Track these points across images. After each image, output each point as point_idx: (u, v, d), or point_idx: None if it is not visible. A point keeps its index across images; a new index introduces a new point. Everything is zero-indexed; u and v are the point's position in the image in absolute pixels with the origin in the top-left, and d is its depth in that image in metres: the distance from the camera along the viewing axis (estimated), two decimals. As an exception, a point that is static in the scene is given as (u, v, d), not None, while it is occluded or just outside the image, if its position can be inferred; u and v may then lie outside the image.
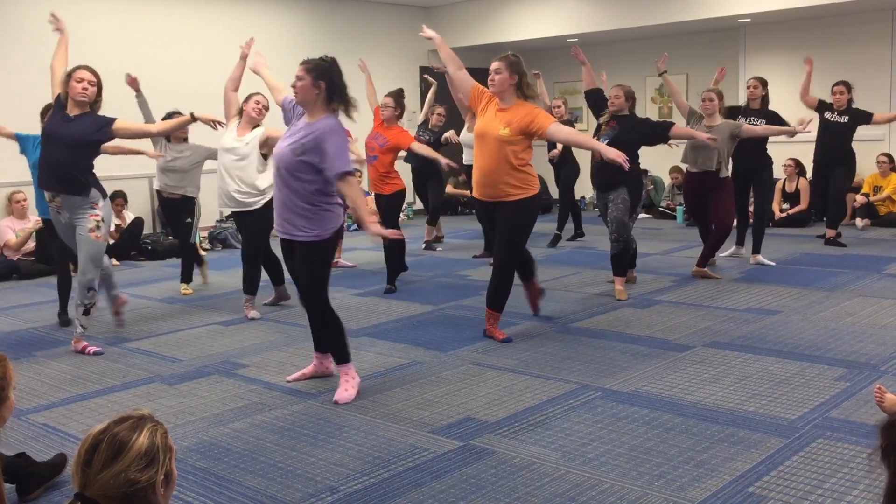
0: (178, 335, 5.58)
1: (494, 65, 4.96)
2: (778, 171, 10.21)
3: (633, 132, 6.19)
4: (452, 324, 5.59)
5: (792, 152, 9.77)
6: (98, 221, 4.99)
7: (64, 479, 3.24)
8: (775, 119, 7.37)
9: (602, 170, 6.07)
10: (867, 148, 10.21)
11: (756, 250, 7.51)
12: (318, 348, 4.43)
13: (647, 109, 12.41)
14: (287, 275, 4.91)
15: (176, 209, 6.93)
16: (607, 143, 5.84)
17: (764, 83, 7.54)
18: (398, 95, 6.90)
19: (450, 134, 8.39)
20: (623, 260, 6.30)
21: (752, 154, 7.31)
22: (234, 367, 4.78)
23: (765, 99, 7.54)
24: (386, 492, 3.07)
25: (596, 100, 6.49)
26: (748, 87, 7.60)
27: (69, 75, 4.94)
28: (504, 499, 2.97)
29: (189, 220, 6.91)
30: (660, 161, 11.75)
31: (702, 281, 6.74)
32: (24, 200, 8.32)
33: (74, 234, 5.03)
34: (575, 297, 6.31)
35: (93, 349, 5.15)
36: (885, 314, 5.49)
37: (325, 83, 3.94)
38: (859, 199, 9.96)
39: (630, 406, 3.89)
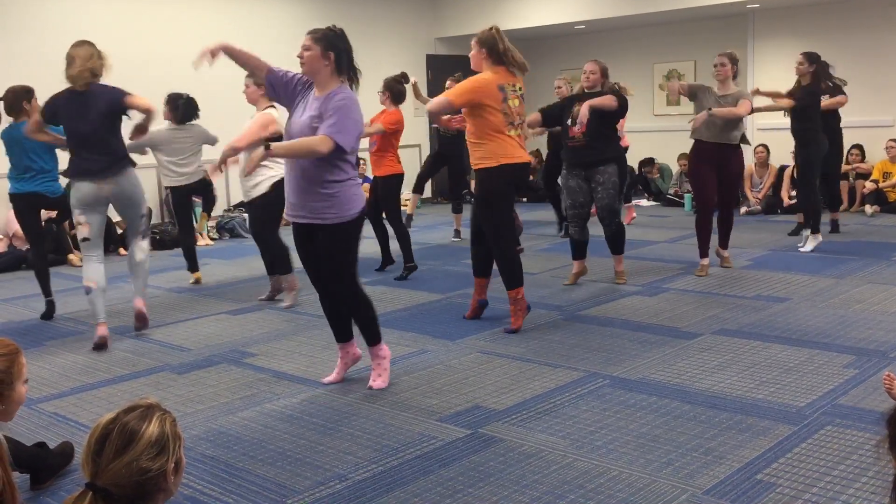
0: (186, 324, 5.60)
1: (473, 42, 5.01)
2: (787, 158, 10.18)
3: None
4: (460, 312, 5.59)
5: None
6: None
7: (72, 468, 3.26)
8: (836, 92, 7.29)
9: (588, 146, 5.92)
10: (876, 134, 10.16)
11: (815, 230, 7.46)
12: (341, 339, 4.24)
13: (655, 97, 12.36)
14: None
15: None
16: (587, 120, 5.75)
17: (811, 58, 7.29)
18: (391, 80, 6.98)
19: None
20: (621, 238, 6.22)
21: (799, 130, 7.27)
22: (242, 355, 4.80)
23: (815, 74, 7.32)
24: (394, 479, 3.08)
25: (549, 116, 6.15)
26: (799, 64, 7.37)
27: None
28: (512, 486, 2.98)
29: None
30: (667, 148, 11.72)
31: (710, 268, 6.68)
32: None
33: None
34: (582, 285, 6.31)
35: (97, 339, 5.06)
36: (895, 301, 5.46)
37: (333, 54, 3.79)
38: (868, 185, 9.92)
39: (638, 394, 3.89)
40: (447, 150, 8.22)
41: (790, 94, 7.49)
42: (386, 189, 6.93)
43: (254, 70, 4.02)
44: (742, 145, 6.54)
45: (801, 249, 7.39)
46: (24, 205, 5.78)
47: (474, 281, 5.41)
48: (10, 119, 5.74)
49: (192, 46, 10.65)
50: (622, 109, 5.93)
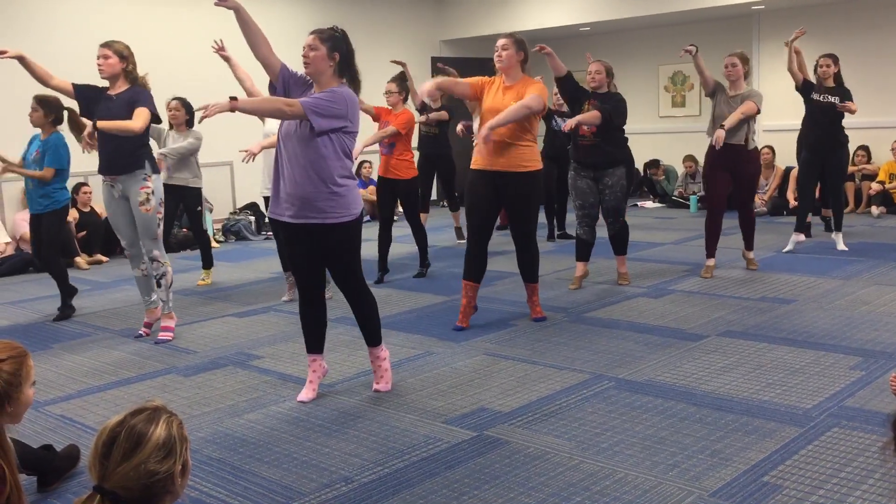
0: (192, 327, 5.61)
1: (501, 42, 5.08)
2: (792, 160, 10.13)
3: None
4: (465, 314, 5.59)
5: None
6: (148, 194, 5.10)
7: (78, 471, 3.27)
8: (847, 97, 7.20)
9: (598, 147, 6.00)
10: (882, 135, 10.13)
11: (837, 228, 7.54)
12: (316, 349, 4.11)
13: (661, 98, 12.36)
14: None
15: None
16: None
17: (835, 59, 7.32)
18: (401, 79, 6.97)
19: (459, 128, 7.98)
20: (625, 238, 6.33)
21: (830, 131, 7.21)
22: (248, 358, 4.81)
23: (837, 76, 7.35)
24: (400, 482, 3.08)
25: (569, 87, 6.05)
26: (820, 66, 7.29)
27: None
28: (517, 488, 2.98)
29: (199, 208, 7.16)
30: (672, 150, 11.71)
31: (715, 270, 6.68)
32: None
33: (122, 212, 5.16)
34: (587, 287, 6.30)
35: (161, 336, 5.23)
36: (901, 302, 5.46)
37: (339, 55, 3.83)
38: (875, 186, 9.89)
39: (644, 396, 3.89)
40: (430, 151, 8.06)
41: (813, 90, 7.39)
42: (409, 191, 6.95)
43: (256, 46, 3.93)
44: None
45: (839, 248, 7.45)
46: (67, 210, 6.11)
47: (466, 285, 5.25)
48: (39, 129, 5.92)
49: (192, 48, 10.73)
50: (605, 124, 5.87)
